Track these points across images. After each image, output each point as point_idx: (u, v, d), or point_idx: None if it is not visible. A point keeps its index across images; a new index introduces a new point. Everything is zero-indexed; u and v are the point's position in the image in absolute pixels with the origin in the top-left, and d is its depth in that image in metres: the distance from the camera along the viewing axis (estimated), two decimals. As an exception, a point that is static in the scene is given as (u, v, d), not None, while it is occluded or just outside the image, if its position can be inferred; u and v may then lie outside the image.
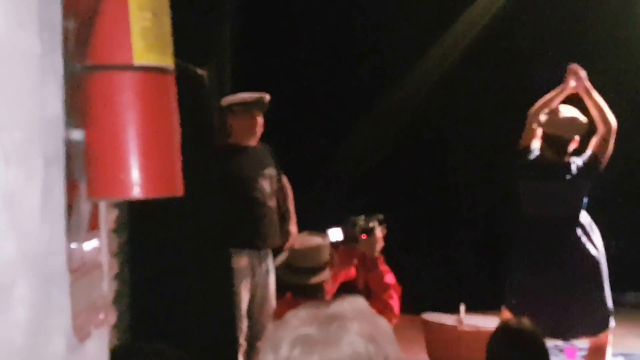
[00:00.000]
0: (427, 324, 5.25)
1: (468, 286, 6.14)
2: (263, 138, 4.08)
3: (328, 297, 3.25)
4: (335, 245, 3.44)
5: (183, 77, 1.73)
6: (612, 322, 4.06)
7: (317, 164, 6.21)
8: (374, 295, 3.37)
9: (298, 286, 3.22)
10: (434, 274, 6.61)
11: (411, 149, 6.73)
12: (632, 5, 6.53)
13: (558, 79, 6.61)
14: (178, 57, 1.47)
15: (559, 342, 5.45)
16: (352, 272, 3.55)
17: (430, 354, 5.22)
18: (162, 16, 1.21)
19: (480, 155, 6.69)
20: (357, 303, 1.13)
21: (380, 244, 3.52)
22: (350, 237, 3.43)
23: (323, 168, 6.30)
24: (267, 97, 3.99)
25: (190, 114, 2.15)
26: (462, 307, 5.13)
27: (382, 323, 1.12)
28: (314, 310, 1.11)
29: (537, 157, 3.95)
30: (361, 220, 3.49)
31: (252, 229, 3.88)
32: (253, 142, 4.02)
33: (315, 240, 3.33)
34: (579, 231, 3.94)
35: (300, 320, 1.08)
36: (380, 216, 3.56)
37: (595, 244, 3.98)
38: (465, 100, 6.57)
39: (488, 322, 4.77)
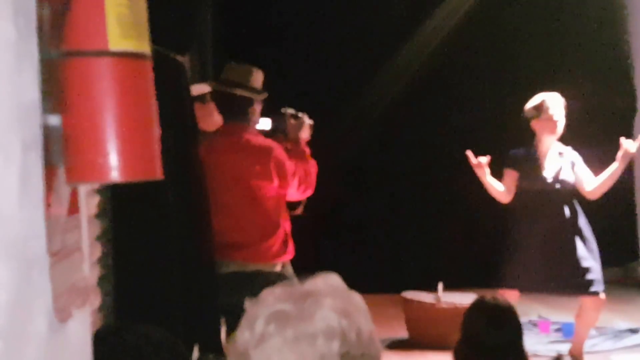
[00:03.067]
0: (406, 301, 5.32)
1: (446, 265, 6.22)
2: None
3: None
4: (263, 134, 3.60)
5: (162, 63, 1.73)
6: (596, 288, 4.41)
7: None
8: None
9: (226, 96, 3.38)
10: (414, 253, 6.68)
11: (392, 129, 6.77)
12: (611, 2, 6.63)
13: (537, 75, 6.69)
14: (157, 44, 1.47)
15: (533, 317, 5.58)
16: None
17: (409, 331, 5.30)
18: (138, 1, 1.22)
19: (460, 138, 6.78)
20: (331, 280, 1.16)
21: (307, 131, 3.66)
22: (278, 129, 3.57)
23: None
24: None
25: (171, 100, 2.16)
26: (440, 285, 5.21)
27: (356, 298, 1.15)
28: (289, 288, 1.14)
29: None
30: (290, 110, 3.65)
31: None
32: (213, 128, 4.09)
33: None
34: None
35: (276, 297, 1.11)
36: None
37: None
38: (449, 91, 6.64)
39: (465, 299, 4.86)
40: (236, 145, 3.43)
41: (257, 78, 3.51)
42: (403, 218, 6.73)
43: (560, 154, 4.48)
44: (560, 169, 4.44)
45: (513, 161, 4.56)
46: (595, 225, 6.80)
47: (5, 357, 1.07)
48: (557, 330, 5.23)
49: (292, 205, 3.67)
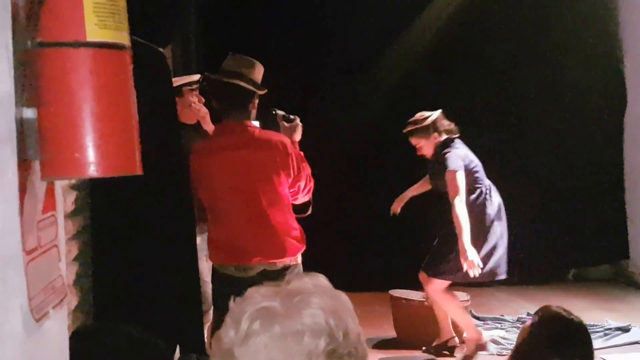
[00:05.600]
0: (394, 300, 5.31)
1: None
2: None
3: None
4: None
5: (142, 54, 1.69)
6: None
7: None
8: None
9: (228, 87, 3.27)
10: (402, 251, 6.67)
11: (383, 129, 6.76)
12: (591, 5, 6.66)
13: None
14: (138, 35, 1.44)
15: (522, 315, 5.58)
16: None
17: (397, 330, 5.29)
18: (116, -9, 1.19)
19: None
20: (318, 280, 1.15)
21: (299, 133, 3.62)
22: (269, 128, 3.53)
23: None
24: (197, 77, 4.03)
25: (152, 92, 2.12)
26: (429, 284, 5.19)
27: (344, 298, 1.13)
28: (275, 286, 1.12)
29: None
30: (281, 111, 3.61)
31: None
32: (192, 121, 4.01)
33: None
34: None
35: (262, 295, 1.09)
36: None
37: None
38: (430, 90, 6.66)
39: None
40: (252, 140, 3.32)
41: (259, 72, 3.43)
42: (391, 216, 6.70)
43: (439, 157, 4.72)
44: (434, 173, 4.80)
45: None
46: (585, 223, 6.84)
47: (-21, 357, 1.03)
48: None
49: (299, 209, 3.62)
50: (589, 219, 6.86)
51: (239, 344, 1.04)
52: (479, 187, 4.75)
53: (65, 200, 2.04)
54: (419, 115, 4.77)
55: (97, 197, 2.17)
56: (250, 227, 3.29)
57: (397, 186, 6.76)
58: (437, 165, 4.72)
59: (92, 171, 1.16)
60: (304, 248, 3.43)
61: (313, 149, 6.50)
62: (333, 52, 6.51)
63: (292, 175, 3.38)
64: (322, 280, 1.15)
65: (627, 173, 6.97)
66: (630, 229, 6.96)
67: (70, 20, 1.14)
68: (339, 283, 1.16)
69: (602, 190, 6.93)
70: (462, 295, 5.07)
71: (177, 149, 2.68)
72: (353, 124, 6.68)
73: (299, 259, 3.43)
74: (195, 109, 3.90)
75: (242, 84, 3.33)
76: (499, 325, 5.59)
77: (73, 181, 2.10)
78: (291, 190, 3.42)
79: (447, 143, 4.70)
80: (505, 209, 6.65)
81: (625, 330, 5.33)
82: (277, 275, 3.20)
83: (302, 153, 3.56)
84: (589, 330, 5.52)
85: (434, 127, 4.71)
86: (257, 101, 3.44)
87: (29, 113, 1.17)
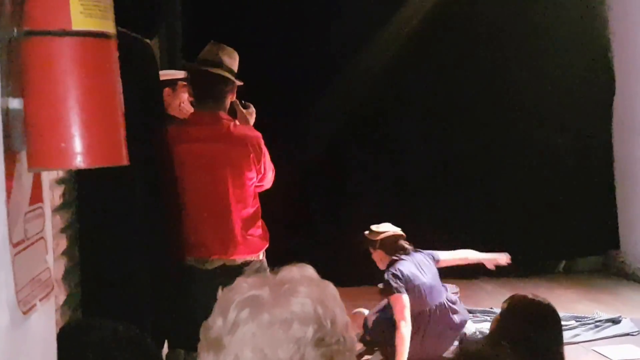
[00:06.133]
0: (384, 294, 5.31)
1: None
2: None
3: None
4: None
5: (128, 45, 1.68)
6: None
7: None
8: None
9: (207, 76, 3.24)
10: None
11: (369, 123, 6.75)
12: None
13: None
14: (124, 26, 1.43)
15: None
16: None
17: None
18: (101, -20, 1.17)
19: (435, 131, 6.79)
20: (306, 270, 1.15)
21: (254, 118, 3.65)
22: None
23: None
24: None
25: (137, 82, 2.10)
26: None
27: (331, 288, 1.13)
28: (263, 277, 1.12)
29: None
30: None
31: None
32: (184, 115, 3.99)
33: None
34: None
35: (250, 284, 1.09)
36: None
37: None
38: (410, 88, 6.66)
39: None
40: (228, 135, 3.29)
41: (236, 62, 3.39)
42: (379, 210, 6.72)
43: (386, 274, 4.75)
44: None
45: None
46: (575, 214, 6.86)
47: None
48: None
49: None
50: (579, 209, 6.87)
51: (227, 332, 1.03)
52: (422, 309, 4.62)
53: (52, 194, 2.02)
54: (379, 226, 4.86)
55: (83, 190, 2.15)
56: (213, 222, 3.25)
57: (387, 182, 6.78)
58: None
59: (79, 162, 1.14)
60: (267, 245, 3.42)
61: (303, 144, 6.54)
62: (320, 44, 6.49)
63: (263, 172, 3.38)
64: (309, 270, 1.15)
65: (617, 163, 6.99)
66: (620, 219, 6.98)
67: (56, 9, 1.13)
68: (327, 278, 1.16)
69: (591, 181, 6.95)
70: (451, 288, 5.08)
71: (163, 141, 2.66)
72: (342, 116, 6.66)
73: (261, 255, 3.41)
74: (184, 110, 3.88)
75: (226, 74, 3.30)
76: (488, 318, 5.60)
77: (60, 174, 2.08)
78: (259, 184, 3.42)
79: (393, 262, 4.70)
80: (495, 201, 6.72)
81: (616, 321, 5.34)
82: (235, 271, 3.18)
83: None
84: (580, 322, 5.51)
85: (380, 244, 4.78)
86: (235, 91, 3.41)
87: (15, 103, 1.16)
